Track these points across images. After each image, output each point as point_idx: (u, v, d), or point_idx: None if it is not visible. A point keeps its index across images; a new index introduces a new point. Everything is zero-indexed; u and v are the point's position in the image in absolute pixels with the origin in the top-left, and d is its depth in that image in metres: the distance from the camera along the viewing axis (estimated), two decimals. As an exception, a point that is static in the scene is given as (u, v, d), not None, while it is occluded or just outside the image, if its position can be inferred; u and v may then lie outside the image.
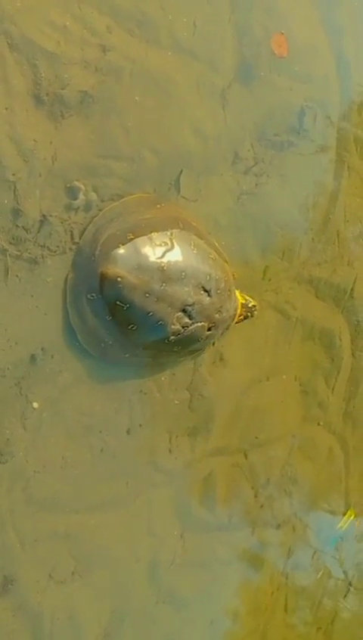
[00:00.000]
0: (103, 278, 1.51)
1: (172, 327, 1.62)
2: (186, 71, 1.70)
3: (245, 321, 1.91)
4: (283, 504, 2.20)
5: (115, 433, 1.74)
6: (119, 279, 1.51)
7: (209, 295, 1.67)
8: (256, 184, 1.91)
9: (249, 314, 1.90)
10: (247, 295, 1.90)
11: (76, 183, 1.55)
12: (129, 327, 1.58)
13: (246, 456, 2.06)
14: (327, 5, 1.97)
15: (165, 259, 1.57)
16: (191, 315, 1.64)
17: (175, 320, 1.62)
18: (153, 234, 1.58)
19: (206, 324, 1.69)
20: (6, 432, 1.56)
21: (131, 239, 1.55)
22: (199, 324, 1.67)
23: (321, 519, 2.35)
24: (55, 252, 1.55)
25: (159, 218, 1.63)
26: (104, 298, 1.54)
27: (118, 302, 1.53)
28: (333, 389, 2.25)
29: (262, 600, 2.21)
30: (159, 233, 1.59)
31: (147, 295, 1.54)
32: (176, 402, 1.86)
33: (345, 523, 2.40)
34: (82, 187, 1.55)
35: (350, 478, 2.38)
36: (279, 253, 2.02)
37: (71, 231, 1.56)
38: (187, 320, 1.64)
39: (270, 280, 2.02)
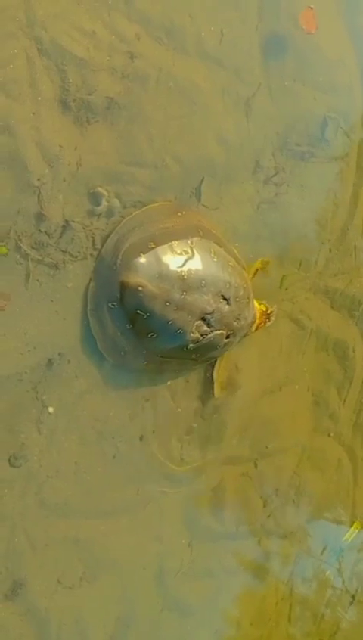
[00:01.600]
0: (124, 287, 1.51)
1: (191, 335, 1.61)
2: (212, 79, 1.69)
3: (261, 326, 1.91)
4: (290, 514, 2.20)
5: (128, 440, 1.74)
6: (140, 288, 1.50)
7: (228, 303, 1.66)
8: (276, 194, 1.90)
9: (267, 319, 1.90)
10: (264, 303, 1.90)
11: (100, 189, 1.54)
12: (149, 335, 1.58)
13: (256, 465, 2.05)
14: (353, 16, 1.96)
15: (185, 268, 1.57)
16: (210, 323, 1.64)
17: (194, 328, 1.61)
18: (174, 242, 1.57)
19: (224, 332, 1.69)
20: (21, 436, 1.55)
21: (153, 248, 1.54)
22: (217, 332, 1.67)
23: (327, 530, 2.34)
24: (76, 257, 1.55)
25: (180, 226, 1.63)
26: (125, 307, 1.54)
27: (138, 311, 1.53)
28: (344, 400, 2.24)
29: (266, 610, 2.21)
30: (180, 241, 1.59)
31: (168, 304, 1.54)
32: (189, 410, 1.85)
33: (351, 535, 2.39)
34: (105, 193, 1.55)
35: (358, 490, 2.37)
36: (296, 263, 2.02)
37: (93, 237, 1.56)
38: (206, 328, 1.64)
39: (286, 289, 2.01)
